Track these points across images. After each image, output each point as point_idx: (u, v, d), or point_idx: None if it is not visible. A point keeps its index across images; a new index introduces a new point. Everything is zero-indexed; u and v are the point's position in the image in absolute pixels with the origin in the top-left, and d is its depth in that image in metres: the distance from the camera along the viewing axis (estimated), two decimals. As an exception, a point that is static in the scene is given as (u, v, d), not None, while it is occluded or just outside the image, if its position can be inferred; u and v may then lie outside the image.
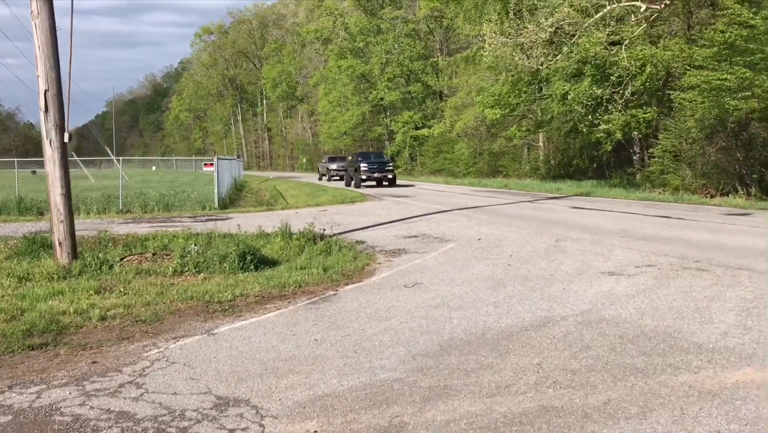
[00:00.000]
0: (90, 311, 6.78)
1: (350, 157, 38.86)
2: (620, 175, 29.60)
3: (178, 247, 10.70)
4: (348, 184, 35.44)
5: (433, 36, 54.56)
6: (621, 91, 24.50)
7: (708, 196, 21.14)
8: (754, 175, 20.88)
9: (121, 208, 20.83)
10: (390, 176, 33.12)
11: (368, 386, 4.58)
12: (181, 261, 9.30)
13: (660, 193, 22.76)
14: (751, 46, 16.89)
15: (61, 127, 9.00)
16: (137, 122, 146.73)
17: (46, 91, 8.84)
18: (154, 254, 10.03)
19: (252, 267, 9.30)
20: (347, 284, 8.17)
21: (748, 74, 16.95)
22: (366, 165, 33.35)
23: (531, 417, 3.93)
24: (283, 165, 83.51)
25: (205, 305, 7.17)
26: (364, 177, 32.95)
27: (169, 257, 9.85)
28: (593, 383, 4.44)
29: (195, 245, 10.35)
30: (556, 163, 36.91)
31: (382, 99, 53.98)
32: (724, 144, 21.84)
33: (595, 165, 33.51)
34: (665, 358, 4.84)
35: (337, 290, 7.84)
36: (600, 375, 4.57)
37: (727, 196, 20.58)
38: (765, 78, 16.78)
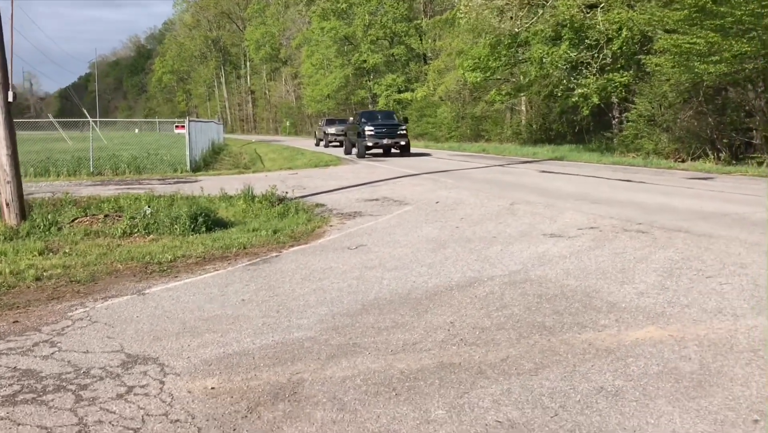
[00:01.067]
0: (26, 272, 6.78)
1: (351, 119, 31.77)
2: (599, 140, 29.64)
3: (137, 209, 10.72)
4: (348, 152, 29.55)
5: (418, -3, 53.88)
6: (596, 55, 24.40)
7: (679, 160, 21.25)
8: (724, 140, 20.95)
9: (92, 170, 20.68)
10: (402, 143, 26.70)
11: (280, 344, 4.63)
12: (131, 223, 9.29)
13: (633, 157, 22.85)
14: (722, 9, 16.77)
15: (4, 86, 8.89)
16: (121, 84, 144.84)
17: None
18: (106, 216, 10.00)
19: (203, 229, 9.30)
20: (292, 246, 8.20)
21: (716, 38, 16.88)
22: (372, 128, 26.68)
23: (427, 373, 4.00)
24: (267, 128, 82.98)
25: (144, 265, 7.19)
26: (369, 144, 26.52)
27: (120, 218, 9.82)
28: (498, 340, 4.51)
29: (148, 207, 10.35)
30: (537, 128, 36.86)
31: (365, 62, 53.51)
32: (697, 109, 21.90)
33: (576, 129, 33.48)
34: (576, 317, 4.93)
35: (280, 252, 7.87)
36: (507, 333, 4.65)
37: (698, 160, 20.69)
38: (733, 42, 16.71)
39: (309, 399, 3.72)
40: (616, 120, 28.25)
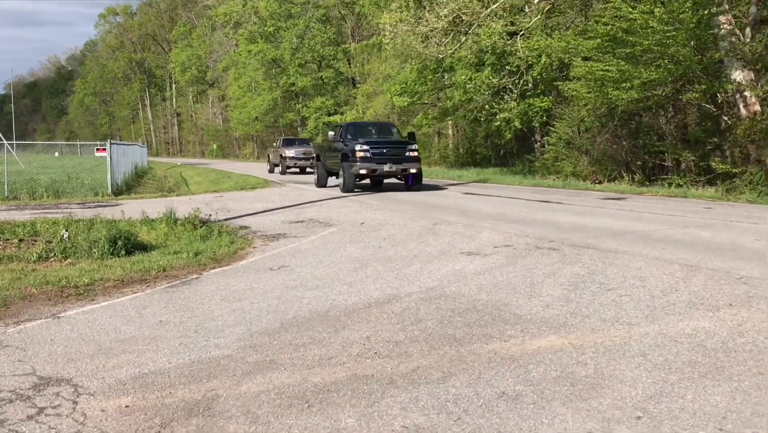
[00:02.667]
0: (-68, 298, 6.56)
1: (330, 134, 20.87)
2: (522, 163, 30.60)
3: (54, 233, 10.46)
4: (322, 184, 21.13)
5: (345, 22, 54.55)
6: (517, 81, 25.34)
7: (596, 182, 22.21)
8: (638, 163, 22.08)
9: (6, 194, 19.97)
10: (413, 170, 18.44)
11: (196, 363, 4.67)
12: (47, 247, 9.08)
13: (554, 179, 23.73)
14: (631, 38, 17.75)
15: None
16: (40, 106, 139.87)
17: None
18: (21, 240, 9.74)
19: (123, 252, 9.18)
20: (213, 268, 8.21)
21: (626, 66, 17.84)
22: (366, 148, 18.05)
23: (340, 385, 4.13)
24: (194, 151, 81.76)
25: (60, 289, 7.06)
26: (362, 171, 18.05)
27: (36, 243, 9.58)
28: (410, 352, 4.69)
29: (66, 231, 10.12)
30: (464, 151, 37.75)
31: (293, 84, 53.64)
32: (613, 132, 23.04)
33: (501, 152, 34.43)
34: (484, 328, 5.16)
35: (201, 274, 7.86)
36: (420, 345, 4.84)
37: (614, 182, 21.70)
38: (642, 70, 17.70)
39: (223, 414, 3.79)
40: (538, 144, 29.29)
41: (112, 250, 9.12)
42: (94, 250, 9.10)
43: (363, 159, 18.07)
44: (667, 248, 8.11)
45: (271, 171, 34.97)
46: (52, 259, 8.87)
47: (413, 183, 18.92)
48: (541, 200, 15.39)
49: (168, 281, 7.47)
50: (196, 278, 7.66)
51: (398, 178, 19.01)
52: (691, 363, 4.21)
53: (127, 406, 3.94)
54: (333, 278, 7.34)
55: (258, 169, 39.62)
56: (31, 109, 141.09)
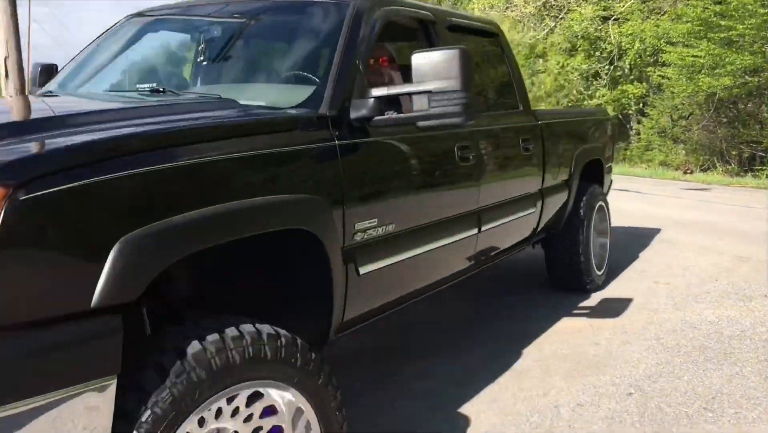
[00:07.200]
0: None
1: None
2: (616, 151, 29.72)
3: None
4: None
5: (440, 5, 54.54)
6: (607, 67, 24.74)
7: (688, 172, 21.50)
8: (733, 152, 21.20)
9: None
10: None
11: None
12: None
13: (645, 168, 23.11)
14: (722, 23, 17.06)
15: (21, 91, 9.62)
16: None
17: (6, 57, 9.46)
18: None
19: None
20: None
21: (717, 51, 17.18)
22: None
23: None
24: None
25: None
26: None
27: None
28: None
29: None
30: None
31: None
32: (709, 121, 22.18)
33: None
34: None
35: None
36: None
37: (707, 172, 20.96)
38: (735, 55, 16.99)
39: None
40: (634, 131, 28.45)
41: None
42: None
43: None
44: (725, 237, 7.98)
45: None
46: None
47: None
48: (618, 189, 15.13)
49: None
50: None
51: None
52: (701, 348, 4.30)
53: None
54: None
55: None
56: None
